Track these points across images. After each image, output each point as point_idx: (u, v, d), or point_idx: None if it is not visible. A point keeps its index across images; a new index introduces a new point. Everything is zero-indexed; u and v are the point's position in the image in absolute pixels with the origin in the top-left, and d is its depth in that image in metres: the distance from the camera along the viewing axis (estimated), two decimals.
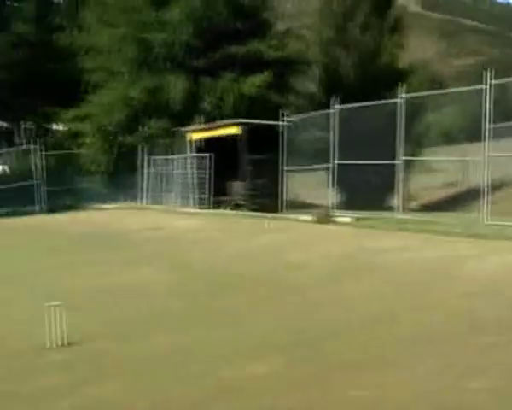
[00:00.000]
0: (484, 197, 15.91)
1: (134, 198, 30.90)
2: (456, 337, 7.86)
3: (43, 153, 33.92)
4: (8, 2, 40.82)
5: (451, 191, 26.80)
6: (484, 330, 8.15)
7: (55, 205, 32.75)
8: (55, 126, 38.11)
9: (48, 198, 33.11)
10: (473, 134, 19.93)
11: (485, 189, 15.84)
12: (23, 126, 38.78)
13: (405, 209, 18.58)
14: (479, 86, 16.51)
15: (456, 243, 14.10)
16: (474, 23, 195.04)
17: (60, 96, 35.39)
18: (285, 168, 23.04)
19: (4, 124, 40.65)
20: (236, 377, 7.24)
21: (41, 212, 32.01)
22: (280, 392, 6.68)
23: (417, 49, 63.00)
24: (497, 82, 15.97)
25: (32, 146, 34.54)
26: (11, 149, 36.50)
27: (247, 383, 7.01)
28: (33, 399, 7.20)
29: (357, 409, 6.14)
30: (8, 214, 31.34)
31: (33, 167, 33.61)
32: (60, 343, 8.76)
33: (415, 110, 20.80)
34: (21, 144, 35.78)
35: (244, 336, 8.76)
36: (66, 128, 36.22)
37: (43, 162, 33.64)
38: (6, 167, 36.25)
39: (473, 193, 20.60)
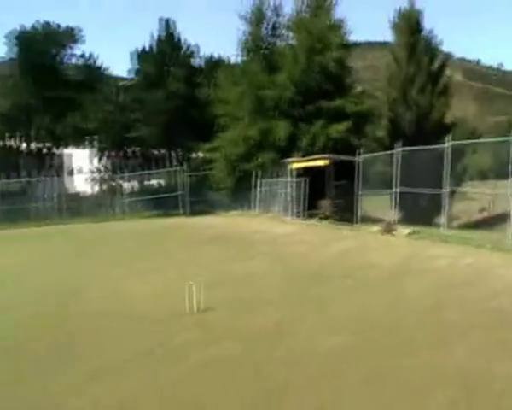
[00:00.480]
0: (509, 221, 15.32)
1: (249, 208, 30.78)
2: (488, 329, 7.60)
3: (187, 173, 34.32)
4: (166, 68, 41.55)
5: (483, 215, 26.01)
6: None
7: (193, 210, 33.00)
8: (194, 155, 38.77)
9: (189, 205, 33.40)
10: (500, 173, 19.34)
11: (510, 215, 15.32)
12: (173, 154, 39.57)
13: (448, 227, 18.07)
14: (506, 138, 16.04)
15: (487, 254, 13.65)
16: (504, 90, 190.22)
17: (199, 133, 36.09)
18: (359, 192, 22.63)
19: (161, 151, 41.57)
20: (322, 346, 7.26)
21: (184, 215, 32.31)
22: (354, 359, 6.69)
23: (459, 109, 61.34)
24: None
25: (178, 168, 35.11)
26: (164, 170, 37.25)
27: (328, 352, 7.01)
28: (177, 349, 7.52)
29: (409, 372, 6.18)
30: (161, 215, 32.01)
31: (179, 183, 33.94)
32: (195, 311, 9.00)
33: (457, 153, 20.21)
34: (172, 166, 36.54)
35: (327, 316, 8.74)
36: (202, 156, 36.63)
37: (186, 179, 33.96)
38: (161, 182, 36.98)
39: (500, 217, 19.97)
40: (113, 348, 7.83)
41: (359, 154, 23.45)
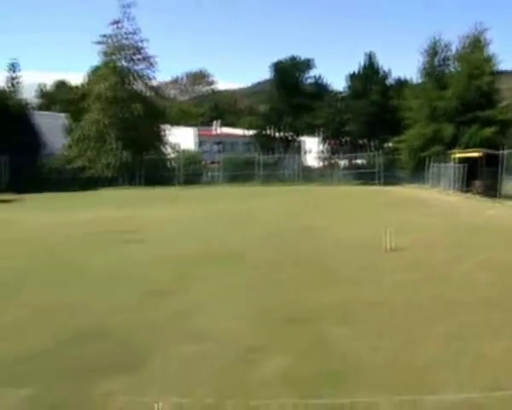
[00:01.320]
0: None
1: (423, 183, 30.20)
2: None
3: (381, 156, 35.13)
4: (368, 85, 42.03)
5: None
6: None
7: (385, 182, 33.25)
8: (386, 144, 39.35)
9: (382, 178, 34.05)
10: None
11: None
12: (372, 143, 41.02)
13: None
14: None
15: None
16: None
17: (390, 130, 36.48)
18: (502, 176, 22.96)
19: (364, 141, 42.91)
20: (476, 277, 7.22)
21: (378, 185, 33.00)
22: (493, 287, 6.64)
23: None
24: None
25: (375, 152, 36.47)
26: (366, 153, 38.76)
27: (480, 282, 7.03)
28: (380, 270, 7.54)
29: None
30: (363, 184, 33.35)
31: (376, 163, 34.94)
32: (390, 248, 8.98)
33: None
34: (371, 151, 37.96)
35: (479, 259, 8.42)
36: (392, 145, 36.90)
37: (381, 160, 34.83)
38: (364, 161, 38.21)
39: None
40: (336, 263, 8.15)
41: (502, 149, 23.56)
